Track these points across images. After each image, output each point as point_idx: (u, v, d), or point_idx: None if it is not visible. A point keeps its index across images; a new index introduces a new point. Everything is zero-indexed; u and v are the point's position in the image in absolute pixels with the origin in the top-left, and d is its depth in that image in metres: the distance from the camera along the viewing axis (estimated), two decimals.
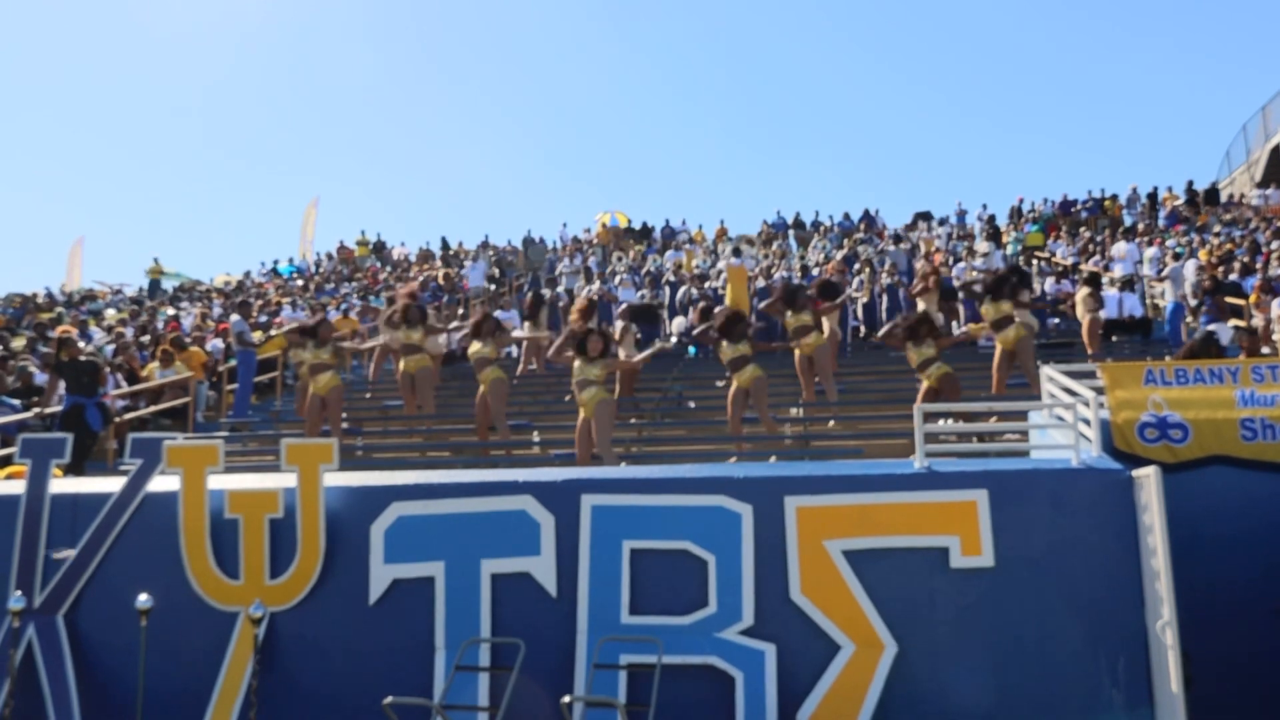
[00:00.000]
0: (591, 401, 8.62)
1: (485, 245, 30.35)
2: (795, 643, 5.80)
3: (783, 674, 5.75)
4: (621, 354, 11.28)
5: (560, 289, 20.61)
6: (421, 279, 22.60)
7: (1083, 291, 12.98)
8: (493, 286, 22.50)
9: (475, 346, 10.24)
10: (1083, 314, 12.71)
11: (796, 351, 10.68)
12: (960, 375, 11.32)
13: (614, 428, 8.95)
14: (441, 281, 22.81)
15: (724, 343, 9.51)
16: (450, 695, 5.74)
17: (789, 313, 10.71)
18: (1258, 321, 12.20)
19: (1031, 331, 10.60)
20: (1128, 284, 15.19)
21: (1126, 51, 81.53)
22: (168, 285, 28.44)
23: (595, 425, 8.59)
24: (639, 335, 13.55)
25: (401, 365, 11.24)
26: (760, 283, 17.43)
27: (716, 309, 10.56)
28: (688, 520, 6.03)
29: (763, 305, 11.09)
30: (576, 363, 8.78)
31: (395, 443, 11.05)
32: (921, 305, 12.74)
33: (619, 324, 12.71)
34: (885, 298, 15.41)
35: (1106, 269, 17.72)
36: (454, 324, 14.66)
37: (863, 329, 15.67)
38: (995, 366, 10.21)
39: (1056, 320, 15.20)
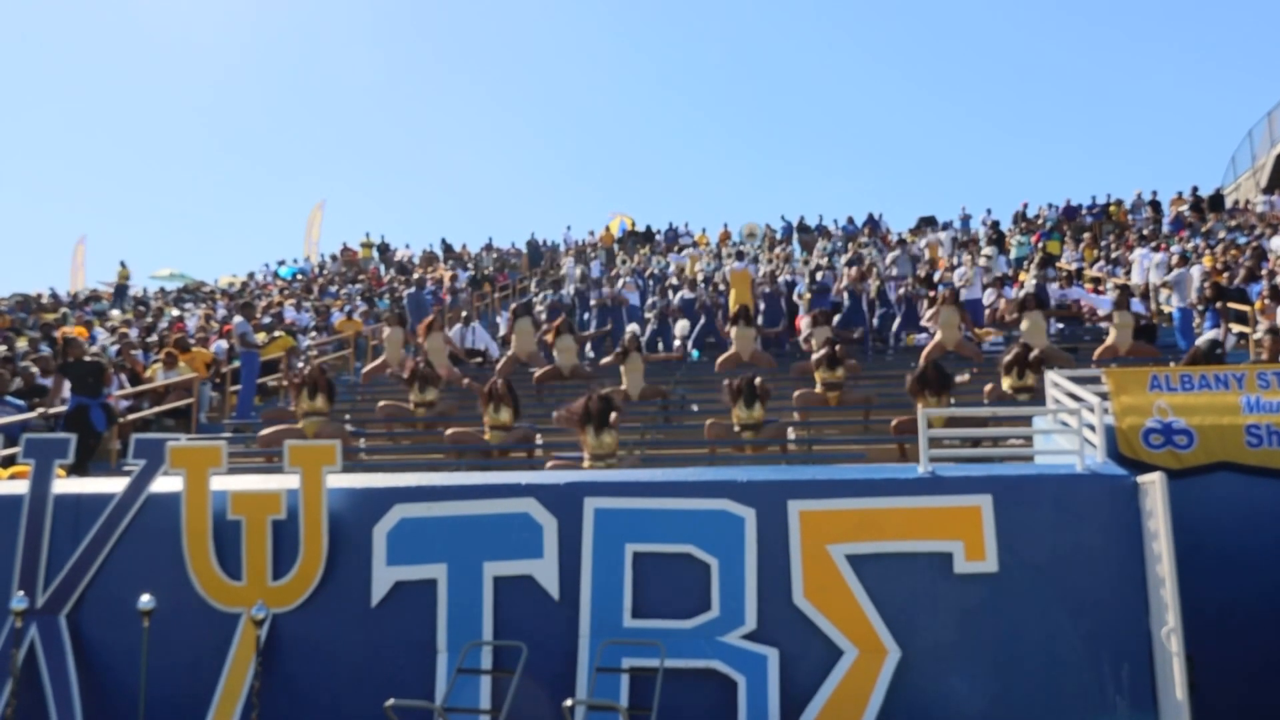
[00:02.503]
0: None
1: (489, 247, 30.45)
2: (798, 647, 5.78)
3: (785, 678, 5.73)
4: (626, 379, 11.12)
5: (564, 292, 20.61)
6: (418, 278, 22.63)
7: (1119, 312, 11.69)
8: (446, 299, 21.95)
9: (489, 417, 9.23)
10: (1121, 338, 11.43)
11: (817, 390, 10.29)
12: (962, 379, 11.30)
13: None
14: (447, 283, 22.86)
15: (740, 404, 8.58)
16: (452, 698, 5.73)
17: (823, 368, 10.13)
18: (1263, 327, 12.15)
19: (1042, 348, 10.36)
20: (1127, 291, 15.15)
21: (1132, 57, 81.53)
22: (170, 287, 28.42)
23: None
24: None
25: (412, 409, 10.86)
26: (766, 288, 17.36)
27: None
28: (690, 524, 6.01)
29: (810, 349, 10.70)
30: (589, 437, 7.76)
31: (398, 445, 11.04)
32: (939, 326, 12.17)
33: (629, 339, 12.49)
34: (904, 305, 15.22)
35: (1112, 274, 17.71)
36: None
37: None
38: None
39: (1061, 325, 15.17)
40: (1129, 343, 11.58)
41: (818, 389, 10.41)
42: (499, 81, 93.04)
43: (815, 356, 10.61)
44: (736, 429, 8.63)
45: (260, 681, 5.93)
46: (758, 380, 8.73)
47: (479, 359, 14.43)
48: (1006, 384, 9.83)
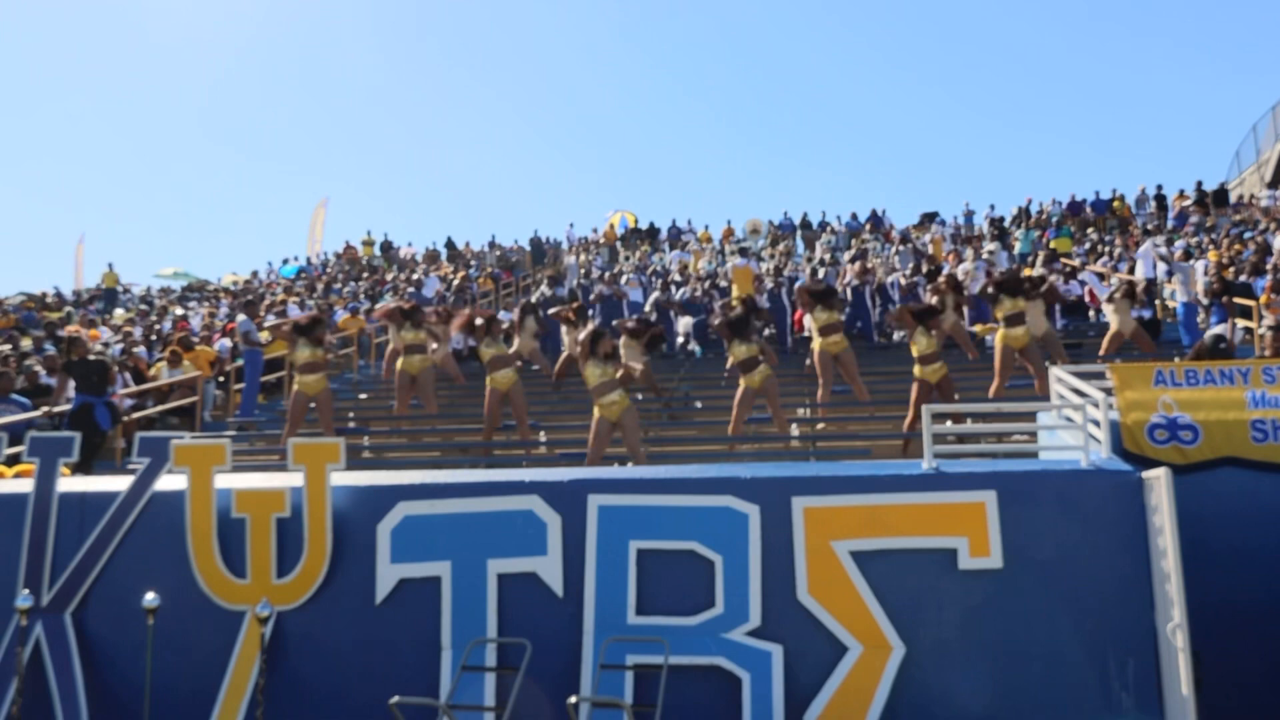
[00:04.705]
0: (617, 407, 8.62)
1: (492, 245, 30.43)
2: (802, 644, 5.78)
3: (790, 675, 5.73)
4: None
5: (564, 290, 20.58)
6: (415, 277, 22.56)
7: (1123, 304, 11.72)
8: (450, 298, 21.86)
9: (488, 348, 10.14)
10: (1124, 322, 11.55)
11: (818, 347, 10.63)
12: (966, 375, 11.32)
13: (640, 430, 9.01)
14: (456, 281, 22.83)
15: (735, 341, 9.52)
16: (456, 695, 5.73)
17: (818, 308, 10.66)
18: (1268, 322, 12.10)
19: (1041, 334, 10.43)
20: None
21: (1135, 51, 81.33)
22: (174, 286, 28.36)
23: (626, 432, 8.64)
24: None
25: (400, 364, 11.24)
26: (768, 284, 17.31)
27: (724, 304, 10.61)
28: (694, 520, 6.00)
29: (799, 301, 11.13)
30: (591, 368, 8.71)
31: (402, 442, 11.06)
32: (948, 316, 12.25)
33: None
34: (907, 300, 15.18)
35: (1115, 269, 17.67)
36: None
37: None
38: (999, 368, 10.11)
39: (1064, 320, 15.14)
40: (1132, 326, 11.65)
41: (814, 343, 10.71)
42: (502, 79, 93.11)
43: (809, 293, 10.93)
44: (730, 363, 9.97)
45: (265, 679, 5.94)
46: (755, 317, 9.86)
47: None
48: (998, 313, 10.04)
